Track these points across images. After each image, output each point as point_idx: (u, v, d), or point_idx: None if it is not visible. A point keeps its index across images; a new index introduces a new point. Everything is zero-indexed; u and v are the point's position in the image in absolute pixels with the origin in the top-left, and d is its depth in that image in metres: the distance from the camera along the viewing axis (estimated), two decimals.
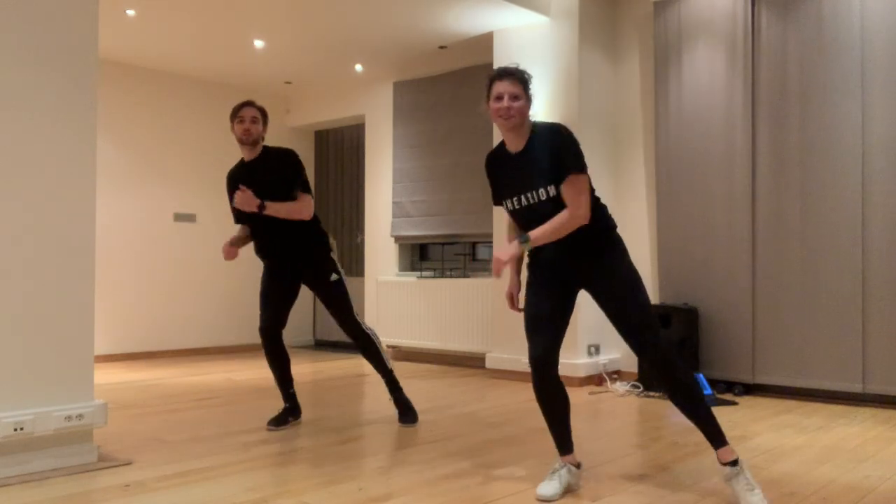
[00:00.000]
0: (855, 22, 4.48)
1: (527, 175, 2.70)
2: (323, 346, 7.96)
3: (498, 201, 2.86)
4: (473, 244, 6.77)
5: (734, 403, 4.52)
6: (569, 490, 2.72)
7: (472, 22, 5.57)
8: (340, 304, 3.95)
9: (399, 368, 6.20)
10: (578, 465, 2.79)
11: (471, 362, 6.21)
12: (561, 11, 5.38)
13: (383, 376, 4.05)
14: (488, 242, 6.51)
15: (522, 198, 2.72)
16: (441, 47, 6.29)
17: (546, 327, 2.76)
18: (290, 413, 3.99)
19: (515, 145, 2.75)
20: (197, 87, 7.29)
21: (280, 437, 3.60)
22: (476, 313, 6.11)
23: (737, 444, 3.46)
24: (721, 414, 4.20)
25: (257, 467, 3.05)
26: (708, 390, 4.68)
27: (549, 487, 2.65)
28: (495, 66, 5.71)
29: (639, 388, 4.98)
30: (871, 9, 4.43)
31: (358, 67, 6.89)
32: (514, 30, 5.64)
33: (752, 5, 4.86)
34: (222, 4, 5.23)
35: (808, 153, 4.64)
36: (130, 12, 5.37)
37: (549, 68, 5.43)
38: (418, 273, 6.88)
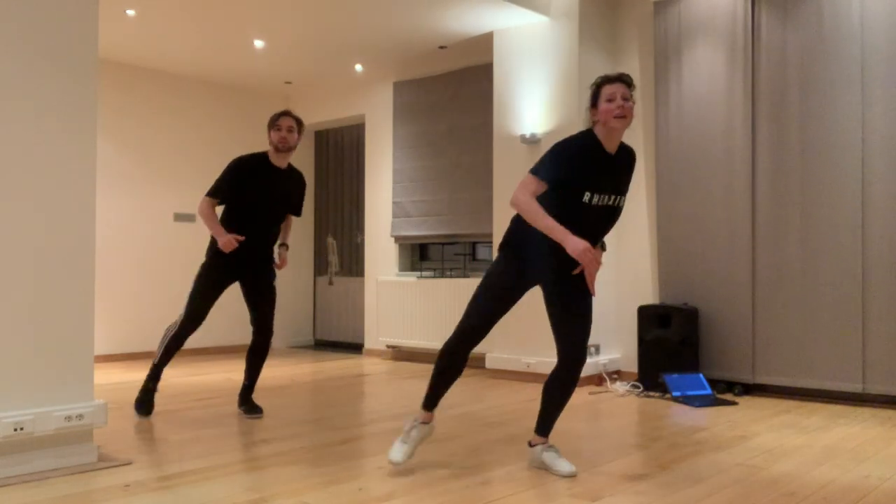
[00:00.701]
0: (855, 21, 4.48)
1: (617, 180, 2.92)
2: (323, 346, 7.97)
3: (568, 186, 2.84)
4: (473, 244, 6.77)
5: (734, 403, 4.52)
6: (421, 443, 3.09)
7: (472, 22, 5.57)
8: (273, 302, 4.39)
9: (399, 368, 6.20)
10: (431, 422, 3.12)
11: (471, 362, 6.19)
12: (561, 11, 5.38)
13: (255, 378, 4.36)
14: (488, 242, 6.51)
15: (606, 197, 2.88)
16: (441, 47, 6.29)
17: (499, 311, 3.04)
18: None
19: (613, 146, 2.90)
20: (197, 87, 7.29)
21: (280, 437, 3.60)
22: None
23: (737, 444, 3.46)
24: (721, 414, 4.20)
25: (257, 467, 3.05)
26: (708, 390, 4.69)
27: (402, 451, 2.99)
28: (495, 67, 5.73)
29: (639, 388, 4.98)
30: (871, 8, 4.43)
31: (358, 67, 6.89)
32: (514, 30, 5.64)
33: (752, 5, 4.86)
34: (222, 4, 5.23)
35: (808, 153, 4.64)
36: (130, 12, 5.37)
37: (549, 68, 5.43)
38: (418, 273, 6.88)
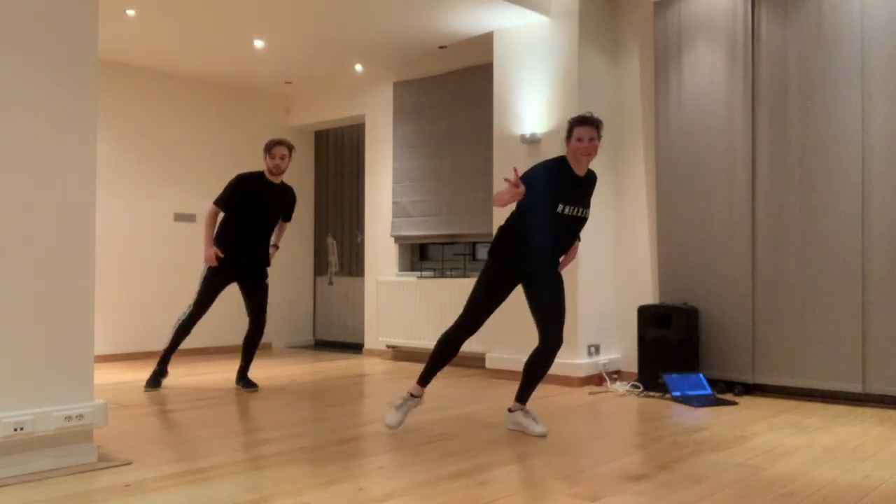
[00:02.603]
0: (855, 21, 4.48)
1: (584, 196, 3.69)
2: (323, 346, 7.97)
3: (547, 199, 3.58)
4: (473, 244, 6.77)
5: (734, 403, 4.52)
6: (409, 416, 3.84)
7: (472, 22, 5.57)
8: (265, 298, 5.15)
9: (399, 368, 6.20)
10: (421, 396, 3.83)
11: (471, 362, 6.21)
12: (561, 11, 5.38)
13: (249, 361, 5.16)
14: (488, 242, 6.51)
15: (574, 208, 3.62)
16: (441, 47, 6.29)
17: (490, 309, 3.72)
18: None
19: (581, 171, 3.67)
20: (197, 87, 7.29)
21: (280, 437, 3.60)
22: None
23: (737, 444, 3.46)
24: (721, 414, 4.20)
25: (257, 467, 3.05)
26: (708, 390, 4.69)
27: (396, 416, 3.73)
28: (495, 67, 5.73)
29: (639, 388, 4.98)
30: (871, 8, 4.43)
31: (358, 67, 6.89)
32: (514, 30, 5.64)
33: (752, 5, 4.86)
34: (222, 4, 5.23)
35: (808, 153, 4.64)
36: (130, 12, 5.37)
37: (549, 68, 5.43)
38: (418, 273, 6.88)
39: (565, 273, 4.03)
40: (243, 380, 5.11)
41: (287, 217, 5.24)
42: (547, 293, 3.66)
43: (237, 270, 5.02)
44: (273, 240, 5.18)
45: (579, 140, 3.56)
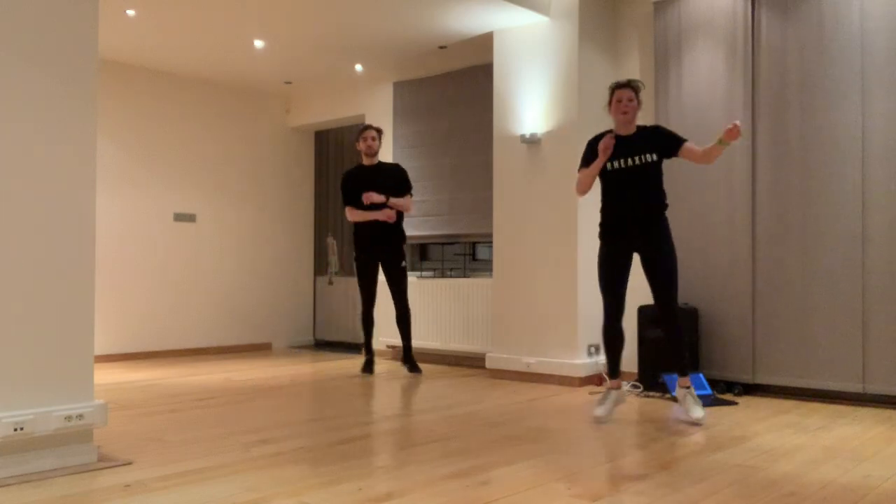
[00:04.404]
0: (855, 21, 4.48)
1: (635, 148, 3.99)
2: (323, 346, 7.96)
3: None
4: (473, 244, 6.76)
5: (734, 403, 4.52)
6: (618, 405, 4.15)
7: (472, 22, 5.57)
8: (404, 281, 5.87)
9: (399, 368, 6.20)
10: (620, 387, 4.15)
11: (471, 362, 6.21)
12: (561, 11, 5.38)
13: (408, 341, 5.91)
14: (488, 242, 6.51)
15: (625, 160, 3.97)
16: (441, 47, 6.29)
17: (621, 286, 4.04)
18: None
19: (625, 130, 4.05)
20: (197, 87, 7.29)
21: (280, 437, 3.60)
22: (476, 313, 6.11)
23: (737, 444, 3.46)
24: (721, 414, 4.20)
25: (257, 467, 3.05)
26: (708, 390, 4.69)
27: (603, 409, 4.01)
28: (495, 67, 5.74)
29: (639, 388, 4.98)
30: (871, 8, 4.43)
31: (358, 67, 6.89)
32: (514, 30, 5.64)
33: (752, 5, 4.86)
34: (222, 4, 5.23)
35: (808, 153, 4.64)
36: (130, 12, 5.37)
37: (549, 68, 5.43)
38: (418, 273, 6.88)
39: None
40: (409, 362, 5.87)
41: (403, 190, 5.78)
42: (651, 261, 3.99)
43: (375, 253, 5.76)
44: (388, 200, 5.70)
45: (619, 101, 4.00)
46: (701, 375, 4.77)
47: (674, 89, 5.17)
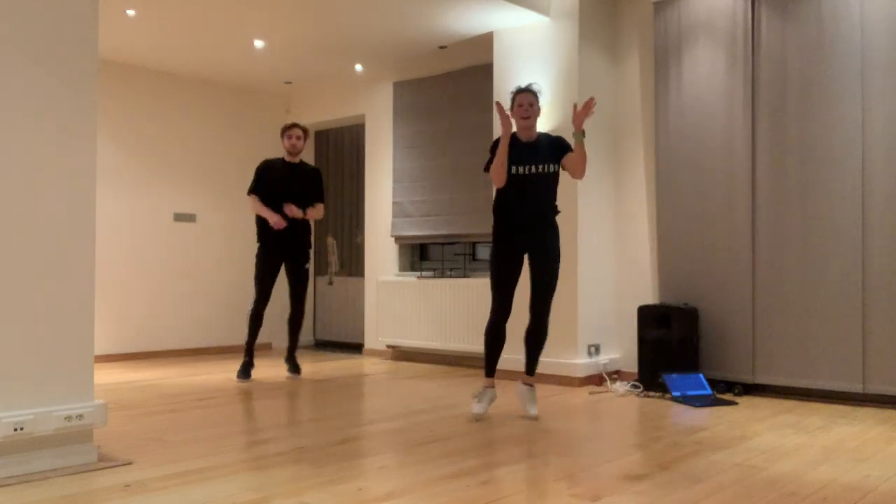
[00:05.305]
0: (855, 21, 4.48)
1: (538, 157, 4.03)
2: (323, 346, 7.96)
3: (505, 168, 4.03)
4: (473, 244, 6.76)
5: (734, 403, 4.52)
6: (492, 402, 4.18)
7: (472, 22, 5.57)
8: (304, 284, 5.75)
9: (399, 368, 6.20)
10: (494, 386, 4.19)
11: (471, 362, 6.21)
12: (561, 11, 5.38)
13: (294, 342, 5.79)
14: (488, 242, 6.51)
15: (529, 167, 4.01)
16: (441, 47, 6.29)
17: (511, 287, 4.09)
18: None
19: (527, 137, 4.07)
20: (197, 87, 7.29)
21: (280, 437, 3.60)
22: (476, 313, 6.11)
23: (737, 444, 3.46)
24: (721, 414, 4.20)
25: (257, 467, 3.05)
26: (708, 390, 4.69)
27: (481, 406, 4.09)
28: (495, 67, 5.74)
29: (639, 388, 4.98)
30: (871, 8, 4.43)
31: (358, 67, 6.89)
32: (514, 30, 5.64)
33: (752, 5, 4.86)
34: (222, 4, 5.23)
35: (808, 153, 4.64)
36: (130, 12, 5.37)
37: (549, 68, 5.43)
38: (418, 273, 6.88)
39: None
40: (290, 362, 5.75)
41: (316, 197, 5.67)
42: (539, 266, 4.09)
43: (280, 250, 5.55)
44: (306, 213, 5.60)
45: (520, 106, 4.03)
46: (701, 375, 4.78)
47: (674, 89, 5.17)
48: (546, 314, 4.09)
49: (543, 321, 4.10)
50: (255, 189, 5.55)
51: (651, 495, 2.66)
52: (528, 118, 4.01)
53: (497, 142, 4.05)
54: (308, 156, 8.18)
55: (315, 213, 5.65)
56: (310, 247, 5.71)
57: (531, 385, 4.19)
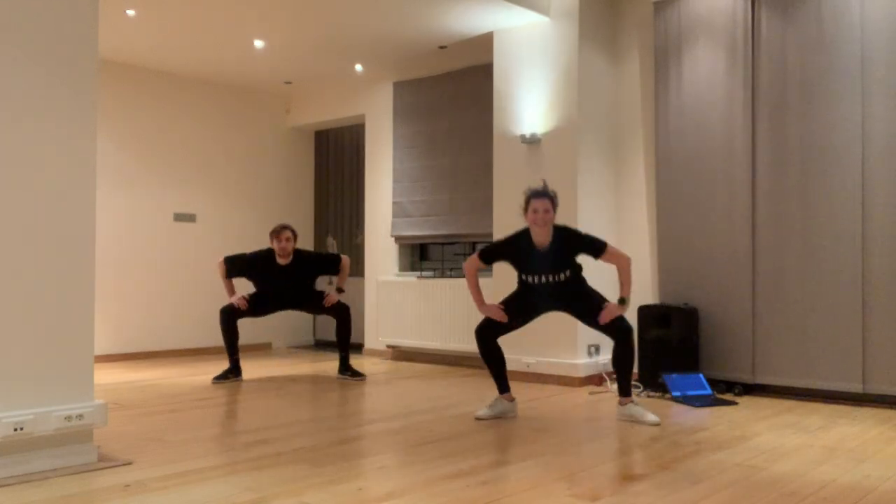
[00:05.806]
0: (855, 21, 4.48)
1: (553, 263, 4.01)
2: (323, 346, 7.96)
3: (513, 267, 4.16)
4: (473, 244, 6.76)
5: (734, 403, 4.52)
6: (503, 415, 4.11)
7: (472, 22, 5.57)
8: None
9: (399, 368, 6.20)
10: (513, 399, 4.18)
11: (471, 362, 6.21)
12: (561, 11, 5.38)
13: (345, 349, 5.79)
14: (488, 242, 6.50)
15: (543, 276, 4.01)
16: (441, 47, 6.29)
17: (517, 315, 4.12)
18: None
19: (542, 239, 3.99)
20: (197, 87, 7.29)
21: (280, 437, 3.60)
22: (476, 313, 6.10)
23: (737, 444, 3.46)
24: (721, 414, 4.20)
25: (257, 467, 3.05)
26: (708, 390, 4.69)
27: (484, 412, 4.08)
28: (495, 67, 5.74)
29: (639, 388, 4.98)
30: (871, 8, 4.43)
31: (358, 67, 6.89)
32: (514, 30, 5.64)
33: (752, 5, 4.86)
34: (222, 4, 5.23)
35: (808, 153, 4.64)
36: (130, 12, 5.37)
37: (549, 68, 5.43)
38: (418, 273, 6.88)
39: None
40: (348, 370, 5.75)
41: (331, 269, 5.80)
42: (580, 307, 4.08)
43: (282, 306, 5.76)
44: (337, 282, 5.76)
45: (535, 212, 3.93)
46: (701, 375, 4.77)
47: (674, 89, 5.17)
48: (614, 331, 3.98)
49: (618, 338, 3.99)
50: (228, 274, 5.57)
51: (651, 495, 2.66)
52: (543, 225, 3.93)
53: (503, 243, 4.11)
54: (308, 157, 8.19)
55: (344, 275, 5.73)
56: (317, 293, 5.72)
57: (631, 401, 4.03)
